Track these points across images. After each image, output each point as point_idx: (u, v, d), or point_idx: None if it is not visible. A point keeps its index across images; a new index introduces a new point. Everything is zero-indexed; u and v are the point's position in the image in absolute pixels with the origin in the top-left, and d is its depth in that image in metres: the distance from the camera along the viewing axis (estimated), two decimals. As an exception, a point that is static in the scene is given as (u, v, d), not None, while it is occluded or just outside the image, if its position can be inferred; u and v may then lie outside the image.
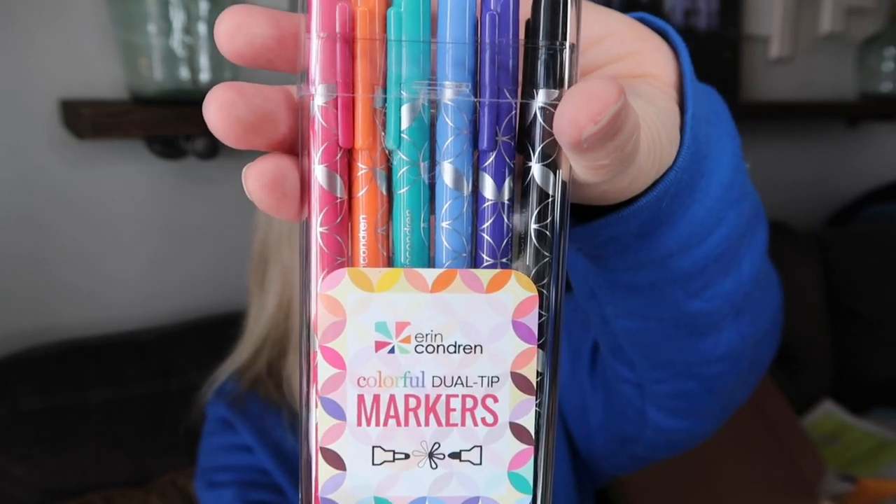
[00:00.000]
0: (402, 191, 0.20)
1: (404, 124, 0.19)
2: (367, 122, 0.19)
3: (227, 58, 0.20)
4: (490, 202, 0.20)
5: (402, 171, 0.20)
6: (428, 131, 0.20)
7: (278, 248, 0.64)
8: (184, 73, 0.85)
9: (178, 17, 0.82)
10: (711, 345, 0.38)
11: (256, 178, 0.20)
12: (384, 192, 0.20)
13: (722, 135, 0.30)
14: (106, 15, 0.86)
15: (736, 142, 0.31)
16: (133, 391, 0.84)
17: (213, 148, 0.89)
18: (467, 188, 0.20)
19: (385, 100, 0.19)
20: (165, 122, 0.83)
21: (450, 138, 0.20)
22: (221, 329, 0.69)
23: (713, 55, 1.42)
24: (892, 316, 1.44)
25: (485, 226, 0.20)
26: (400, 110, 0.19)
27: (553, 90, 0.20)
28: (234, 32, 0.20)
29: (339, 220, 0.20)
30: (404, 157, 0.20)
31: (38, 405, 0.80)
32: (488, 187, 0.20)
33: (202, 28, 0.84)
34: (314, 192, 0.19)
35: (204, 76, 0.86)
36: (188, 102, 0.85)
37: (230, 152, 0.96)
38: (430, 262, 0.20)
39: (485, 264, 0.20)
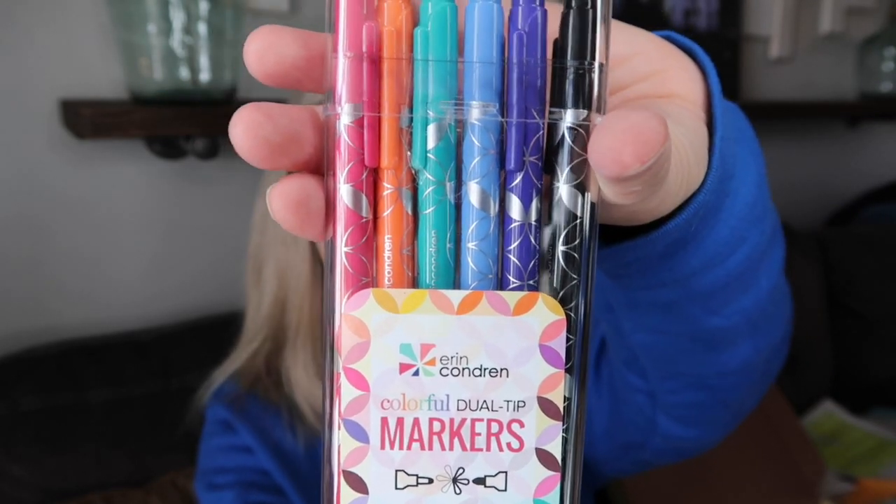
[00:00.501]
0: (427, 211, 0.19)
1: (430, 144, 0.19)
2: (393, 142, 0.19)
3: (257, 78, 0.20)
4: (517, 223, 0.20)
5: (427, 191, 0.19)
6: (454, 151, 0.19)
7: (274, 248, 0.64)
8: (184, 73, 0.85)
9: (178, 17, 0.82)
10: (727, 358, 0.38)
11: (281, 199, 0.19)
12: (410, 213, 0.20)
13: (746, 154, 0.30)
14: (106, 15, 0.86)
15: (760, 160, 0.31)
16: (133, 391, 0.84)
17: (213, 148, 0.89)
18: (494, 209, 0.20)
19: (411, 119, 0.19)
20: (165, 122, 0.83)
21: (476, 158, 0.19)
22: (221, 329, 0.69)
23: (713, 55, 1.41)
24: (892, 316, 1.44)
25: (511, 247, 0.20)
26: (426, 130, 0.19)
27: (581, 110, 0.19)
28: (264, 53, 0.20)
29: (364, 239, 0.19)
30: (430, 177, 0.19)
31: (38, 405, 0.80)
32: (515, 208, 0.20)
33: (202, 28, 0.84)
34: (339, 212, 0.19)
35: (204, 76, 0.86)
36: (188, 102, 0.85)
37: (230, 153, 0.95)
38: (456, 284, 0.20)
39: (511, 286, 0.20)
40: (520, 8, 0.19)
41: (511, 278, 0.20)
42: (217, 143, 0.89)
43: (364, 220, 0.19)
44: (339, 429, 0.19)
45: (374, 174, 0.20)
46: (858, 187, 1.71)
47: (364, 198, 0.19)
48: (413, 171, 0.20)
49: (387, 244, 0.20)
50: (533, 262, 0.20)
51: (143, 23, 0.82)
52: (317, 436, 0.62)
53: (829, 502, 1.08)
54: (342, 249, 0.19)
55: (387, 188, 0.19)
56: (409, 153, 0.19)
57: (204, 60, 0.85)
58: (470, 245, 0.20)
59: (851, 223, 1.66)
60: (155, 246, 0.98)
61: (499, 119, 0.19)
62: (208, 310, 0.98)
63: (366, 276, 0.19)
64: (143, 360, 0.87)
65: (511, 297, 0.19)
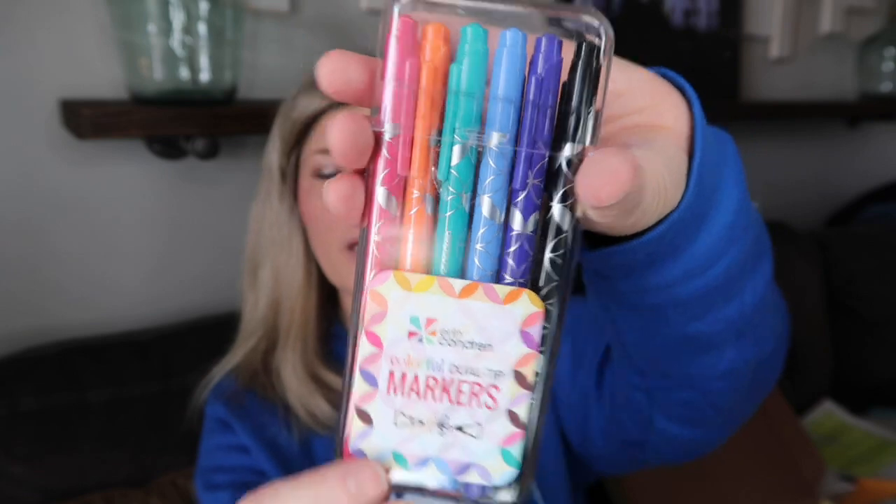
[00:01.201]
0: (446, 214, 0.24)
1: (454, 161, 0.24)
2: (423, 158, 0.24)
3: (326, 93, 0.24)
4: (517, 232, 0.24)
5: (448, 199, 0.24)
6: (473, 169, 0.24)
7: (270, 250, 0.64)
8: (184, 73, 0.85)
9: (178, 17, 0.82)
10: (713, 362, 0.40)
11: (335, 192, 0.24)
12: (430, 214, 0.24)
13: (729, 177, 0.33)
14: (106, 15, 0.86)
15: (742, 186, 0.34)
16: (133, 391, 0.84)
17: (213, 148, 0.89)
18: (500, 219, 0.24)
19: (439, 140, 0.24)
20: (165, 122, 0.83)
21: (490, 177, 0.24)
22: (221, 329, 0.69)
23: (713, 55, 1.42)
24: (892, 316, 1.44)
25: (510, 250, 0.24)
26: (451, 150, 0.24)
27: (578, 145, 0.24)
28: (334, 74, 0.24)
29: (391, 231, 0.24)
30: (451, 189, 0.24)
31: (38, 405, 0.80)
32: (517, 220, 0.24)
33: (202, 28, 0.84)
34: (374, 208, 0.24)
35: (204, 76, 0.86)
36: (188, 102, 0.85)
37: (230, 152, 0.96)
38: (462, 275, 0.24)
39: (505, 282, 0.24)
40: (540, 55, 0.23)
41: (506, 275, 0.24)
42: (217, 143, 0.89)
43: (393, 216, 0.24)
44: (357, 375, 0.25)
45: (405, 180, 0.24)
46: (858, 187, 1.71)
47: (394, 199, 0.24)
48: (437, 182, 0.24)
49: (410, 237, 0.24)
50: (525, 265, 0.24)
51: (143, 23, 0.82)
52: (311, 434, 0.62)
53: (829, 502, 1.08)
54: (374, 238, 0.24)
55: (414, 193, 0.24)
56: (434, 169, 0.24)
57: (204, 60, 0.85)
58: (477, 246, 0.24)
59: (851, 223, 1.66)
60: (155, 246, 0.98)
61: (511, 147, 0.24)
62: (208, 310, 0.98)
63: (389, 261, 0.24)
64: (143, 361, 0.87)
65: (502, 290, 0.24)
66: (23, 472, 0.78)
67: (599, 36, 0.24)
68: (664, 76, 0.32)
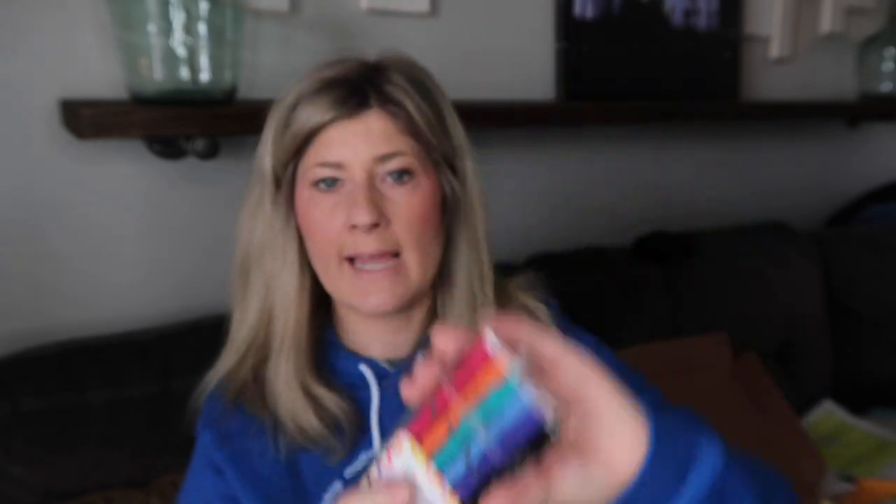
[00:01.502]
0: (453, 447, 0.39)
1: (463, 448, 0.38)
2: (455, 415, 0.38)
3: (435, 353, 0.39)
4: (473, 482, 0.38)
5: (455, 443, 0.38)
6: (469, 445, 0.38)
7: (260, 257, 0.64)
8: (184, 73, 0.85)
9: (178, 17, 0.83)
10: None
11: (412, 396, 0.39)
12: (446, 437, 0.39)
13: (688, 490, 0.39)
14: (106, 15, 0.86)
15: (705, 480, 0.40)
16: (133, 392, 0.84)
17: (213, 148, 0.89)
18: (468, 468, 0.38)
19: (462, 425, 0.38)
20: (165, 122, 0.83)
21: (473, 454, 0.38)
22: (221, 329, 0.69)
23: (713, 55, 1.42)
24: (892, 316, 1.44)
25: (465, 484, 0.38)
26: (460, 440, 0.38)
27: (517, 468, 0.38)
28: (441, 345, 0.39)
29: (431, 426, 0.40)
30: (458, 443, 0.38)
31: (39, 405, 0.80)
32: (475, 476, 0.39)
33: (202, 28, 0.84)
34: (425, 411, 0.39)
35: (204, 76, 0.86)
36: (188, 102, 0.85)
37: (230, 152, 0.96)
38: (443, 468, 0.39)
39: (457, 490, 0.39)
40: (521, 423, 0.37)
41: (459, 488, 0.39)
42: (217, 143, 0.89)
43: (432, 418, 0.39)
44: (374, 466, 0.42)
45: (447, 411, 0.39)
46: (858, 187, 1.72)
47: (438, 414, 0.39)
48: (453, 433, 0.39)
49: (436, 435, 0.39)
50: (468, 494, 0.38)
51: (143, 23, 0.82)
52: (299, 449, 0.62)
53: (829, 502, 1.08)
54: (421, 418, 0.39)
55: (449, 423, 0.39)
56: (454, 429, 0.38)
57: (204, 60, 0.85)
58: (456, 468, 0.39)
59: (851, 223, 1.66)
60: (155, 246, 0.98)
61: (491, 453, 0.38)
62: (208, 310, 0.98)
63: (419, 435, 0.40)
64: (143, 361, 0.86)
65: (446, 490, 0.39)
66: (23, 472, 0.79)
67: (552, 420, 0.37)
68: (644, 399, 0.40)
